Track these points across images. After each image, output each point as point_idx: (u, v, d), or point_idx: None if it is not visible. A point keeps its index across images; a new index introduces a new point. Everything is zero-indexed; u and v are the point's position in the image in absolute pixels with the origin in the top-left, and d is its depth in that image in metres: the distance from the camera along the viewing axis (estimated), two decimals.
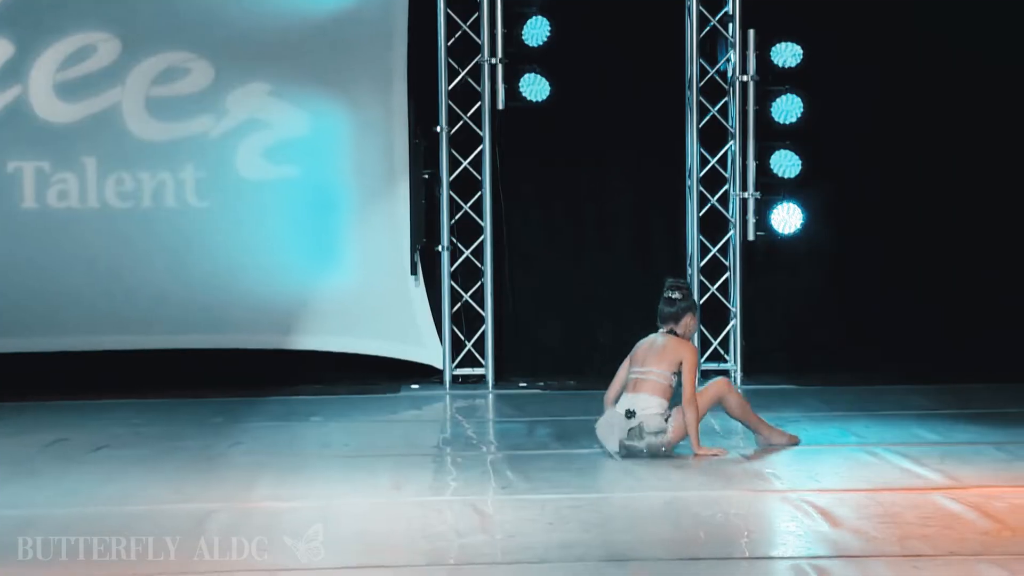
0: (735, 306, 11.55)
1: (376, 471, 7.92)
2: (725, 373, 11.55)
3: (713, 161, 11.61)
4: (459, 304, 11.60)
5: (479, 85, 11.49)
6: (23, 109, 11.29)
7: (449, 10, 11.51)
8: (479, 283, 11.56)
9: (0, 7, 11.24)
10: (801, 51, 11.43)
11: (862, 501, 6.91)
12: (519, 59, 11.47)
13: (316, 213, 11.52)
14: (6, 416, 10.20)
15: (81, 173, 11.40)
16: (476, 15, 11.49)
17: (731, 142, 11.56)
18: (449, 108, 11.52)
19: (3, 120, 11.28)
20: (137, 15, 11.38)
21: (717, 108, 11.60)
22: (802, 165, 11.40)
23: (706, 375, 11.53)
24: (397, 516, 6.84)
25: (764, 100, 11.45)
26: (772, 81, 11.46)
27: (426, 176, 11.45)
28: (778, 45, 11.46)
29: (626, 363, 8.42)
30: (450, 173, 11.54)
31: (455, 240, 11.55)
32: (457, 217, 11.57)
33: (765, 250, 11.61)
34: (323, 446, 8.91)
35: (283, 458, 8.44)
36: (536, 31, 11.49)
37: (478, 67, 11.49)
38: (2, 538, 6.41)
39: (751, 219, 11.41)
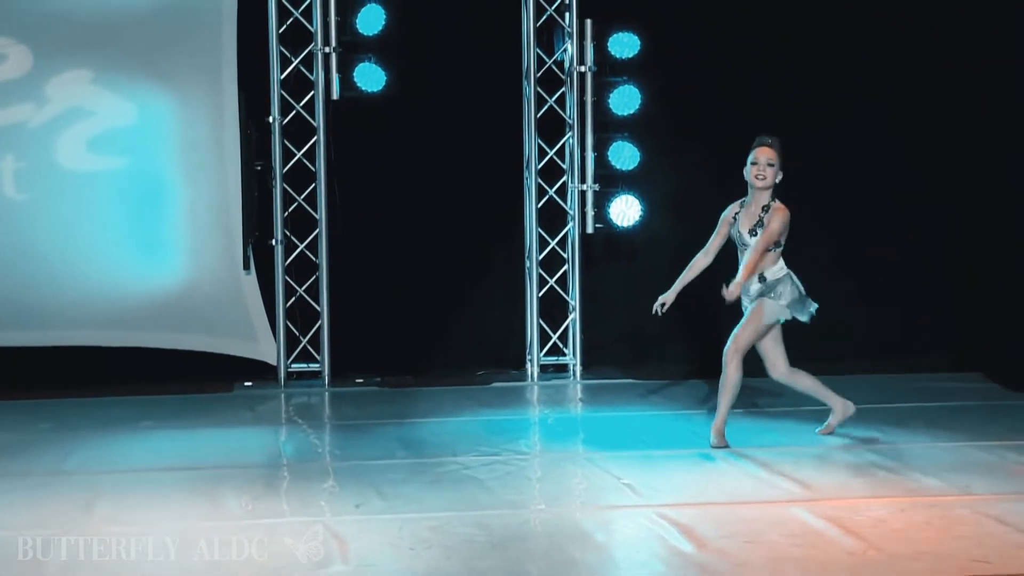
0: (574, 299, 11.40)
1: (220, 488, 7.54)
2: (564, 367, 11.45)
3: (551, 153, 11.43)
4: (294, 299, 11.27)
5: (312, 75, 11.14)
6: None
7: None
8: (314, 277, 11.24)
9: None
10: (639, 41, 11.28)
11: (724, 516, 6.78)
12: (353, 48, 11.15)
13: (144, 206, 11.06)
14: None
15: None
16: (308, 2, 11.13)
17: (569, 134, 11.39)
18: (281, 98, 11.16)
19: None
20: None
21: (555, 99, 11.42)
22: (640, 157, 11.26)
23: (545, 369, 11.44)
24: (249, 541, 6.50)
25: (602, 91, 11.30)
26: (610, 72, 11.30)
27: (258, 168, 11.08)
28: (616, 35, 11.30)
29: None
30: (283, 165, 11.19)
31: (289, 233, 11.20)
32: (291, 210, 11.23)
33: (604, 243, 11.46)
34: (159, 459, 8.48)
35: (118, 475, 8.01)
36: (371, 20, 11.17)
37: (311, 56, 11.14)
38: None
39: (589, 211, 11.26)
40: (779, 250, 8.38)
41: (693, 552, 6.22)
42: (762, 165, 8.35)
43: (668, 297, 8.55)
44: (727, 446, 8.28)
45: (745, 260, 8.31)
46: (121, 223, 11.02)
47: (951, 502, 6.97)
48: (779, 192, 8.52)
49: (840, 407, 8.59)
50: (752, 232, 8.34)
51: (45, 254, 10.94)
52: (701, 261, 8.58)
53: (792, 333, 8.62)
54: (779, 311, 8.35)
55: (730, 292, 8.26)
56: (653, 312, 8.63)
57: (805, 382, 8.57)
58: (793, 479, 7.52)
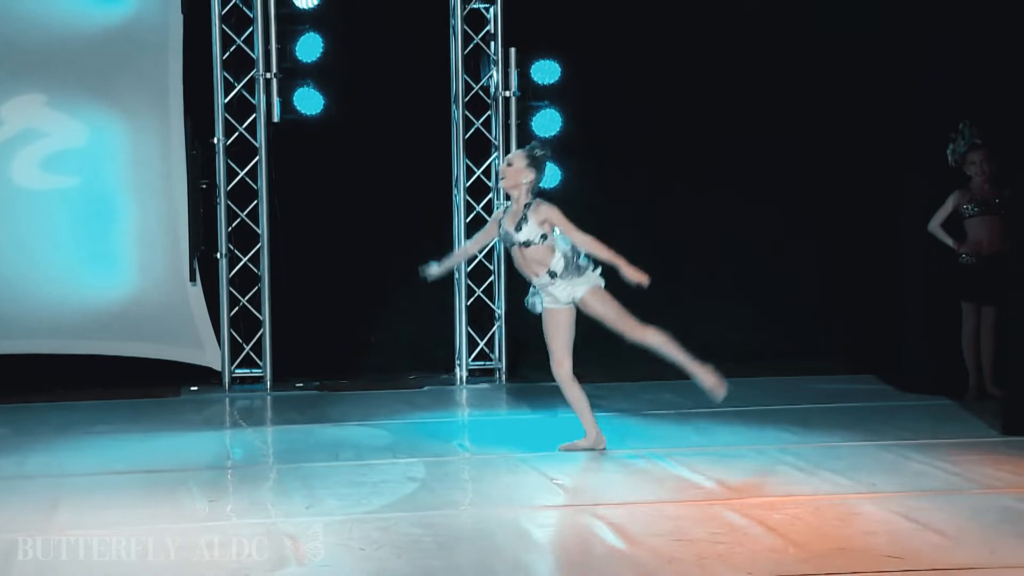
0: (500, 308, 11.32)
1: (176, 490, 7.38)
2: (491, 372, 11.36)
3: (478, 172, 11.36)
4: (237, 308, 11.09)
5: (254, 98, 10.98)
6: None
7: (224, 26, 10.97)
8: (256, 288, 11.07)
9: None
10: (559, 68, 11.24)
11: (652, 515, 6.72)
12: (293, 74, 11.00)
13: (95, 222, 10.85)
14: None
15: None
16: (250, 30, 10.97)
17: (495, 154, 11.31)
18: (225, 120, 10.98)
19: None
20: None
21: (481, 122, 11.34)
22: (561, 176, 11.20)
23: (473, 373, 11.34)
24: (207, 544, 6.35)
25: (525, 114, 11.23)
26: (532, 96, 11.24)
27: (204, 185, 10.90)
28: (538, 63, 11.24)
29: None
30: (227, 183, 11.02)
31: (232, 247, 11.03)
32: (234, 225, 11.05)
33: None
34: (116, 461, 8.28)
35: (78, 478, 7.81)
36: (309, 47, 11.04)
37: (253, 81, 10.97)
38: None
39: None
40: (551, 243, 8.01)
41: (627, 550, 6.16)
42: (504, 165, 8.13)
43: (437, 270, 8.39)
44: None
45: (593, 251, 8.00)
46: (74, 238, 10.81)
47: (860, 500, 6.96)
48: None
49: (593, 438, 8.23)
50: (518, 228, 7.99)
51: (0, 267, 10.69)
52: (471, 247, 8.69)
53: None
54: (589, 291, 8.05)
55: (640, 275, 8.06)
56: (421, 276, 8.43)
57: (576, 394, 8.24)
58: (713, 479, 7.49)
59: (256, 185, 11.02)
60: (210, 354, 11.00)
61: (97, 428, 9.36)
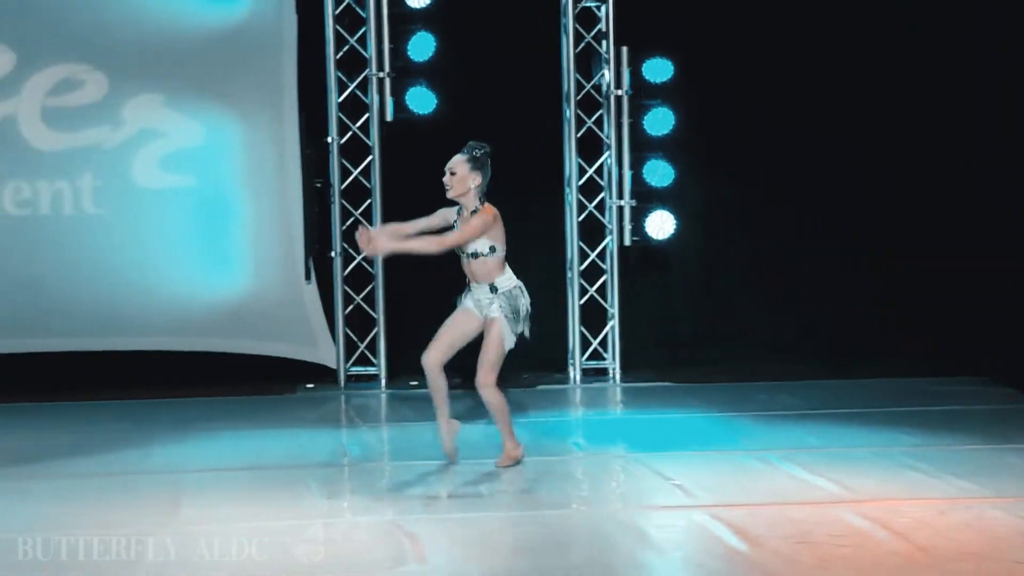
0: (613, 307, 11.24)
1: (294, 487, 7.40)
2: (604, 371, 11.29)
3: (591, 171, 11.28)
4: (351, 307, 11.12)
5: (367, 98, 11.00)
6: None
7: (337, 26, 11.01)
8: (371, 286, 11.09)
9: None
10: (672, 66, 11.13)
11: (773, 517, 6.61)
12: (406, 73, 10.99)
13: (212, 220, 10.94)
14: None
15: None
16: (363, 30, 10.99)
17: (607, 153, 11.22)
18: (339, 120, 11.02)
19: None
20: (31, 28, 10.68)
21: (593, 120, 11.26)
22: (674, 174, 11.11)
23: (586, 373, 11.27)
24: (330, 540, 6.36)
25: (637, 113, 11.13)
26: (645, 95, 11.14)
27: (318, 185, 10.94)
28: (650, 61, 11.14)
29: None
30: (341, 182, 11.04)
31: (347, 246, 11.05)
32: (348, 224, 11.07)
33: (640, 254, 11.30)
34: (234, 458, 8.33)
35: (197, 474, 7.86)
36: (422, 46, 11.02)
37: (366, 80, 11.00)
38: None
39: (627, 225, 11.10)
40: (501, 255, 7.75)
41: (748, 551, 6.06)
42: (447, 175, 7.82)
43: (379, 234, 7.96)
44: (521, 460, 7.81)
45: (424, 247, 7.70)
46: (190, 237, 10.90)
47: (988, 504, 6.79)
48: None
49: (511, 450, 7.84)
50: None
51: (119, 265, 10.82)
52: (421, 224, 7.92)
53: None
54: (511, 334, 7.76)
55: (372, 238, 7.66)
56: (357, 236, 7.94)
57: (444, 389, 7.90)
58: (833, 480, 7.34)
59: (369, 184, 11.04)
60: (324, 352, 11.04)
61: (215, 425, 9.42)
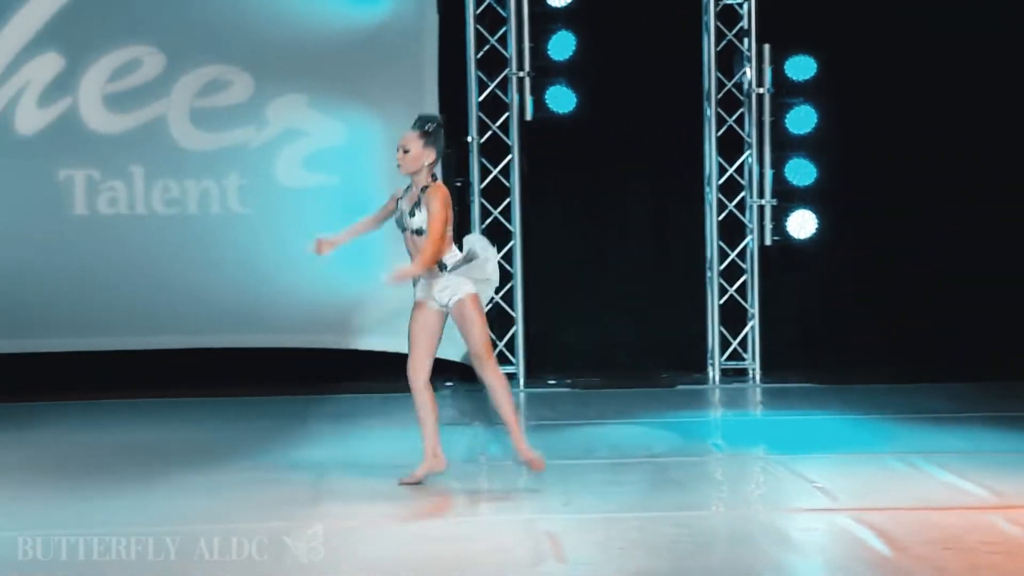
0: (753, 307, 11.10)
1: (435, 484, 7.40)
2: (744, 372, 11.15)
3: (731, 170, 11.16)
4: (490, 306, 11.11)
5: (507, 97, 11.00)
6: (73, 120, 10.75)
7: (478, 26, 11.02)
8: (509, 285, 11.08)
9: (50, 22, 10.70)
10: (815, 64, 10.96)
11: (919, 521, 6.45)
12: (545, 72, 10.97)
13: (353, 219, 10.95)
14: (73, 414, 9.85)
15: (129, 181, 10.86)
16: (504, 29, 10.99)
17: (748, 151, 11.09)
18: (479, 119, 11.04)
19: (55, 130, 10.73)
20: (180, 30, 10.85)
21: (734, 119, 11.14)
22: (816, 173, 10.93)
23: (725, 373, 11.15)
24: (467, 537, 6.35)
25: (779, 111, 10.99)
26: (787, 93, 10.98)
27: (458, 184, 10.96)
28: (792, 59, 10.98)
29: None
30: (481, 181, 11.06)
31: None
32: (488, 223, 11.08)
33: (781, 254, 11.14)
34: (379, 454, 8.37)
35: (338, 469, 7.91)
36: (562, 45, 11.00)
37: (506, 80, 11.00)
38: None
39: (768, 225, 10.96)
40: (448, 234, 7.28)
41: (893, 556, 5.92)
42: (399, 152, 7.36)
43: (330, 240, 7.76)
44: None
45: (421, 249, 7.23)
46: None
47: None
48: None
49: (430, 462, 7.38)
50: (411, 212, 7.29)
51: (266, 262, 10.94)
52: (367, 222, 7.71)
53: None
54: (482, 294, 7.33)
55: (396, 276, 7.30)
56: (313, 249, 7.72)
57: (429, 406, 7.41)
58: (981, 485, 7.15)
59: (508, 183, 11.04)
60: (463, 350, 11.02)
61: (360, 421, 9.50)
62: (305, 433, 9.05)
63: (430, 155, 7.26)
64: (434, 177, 7.26)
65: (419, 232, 7.23)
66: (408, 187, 7.36)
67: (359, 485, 7.45)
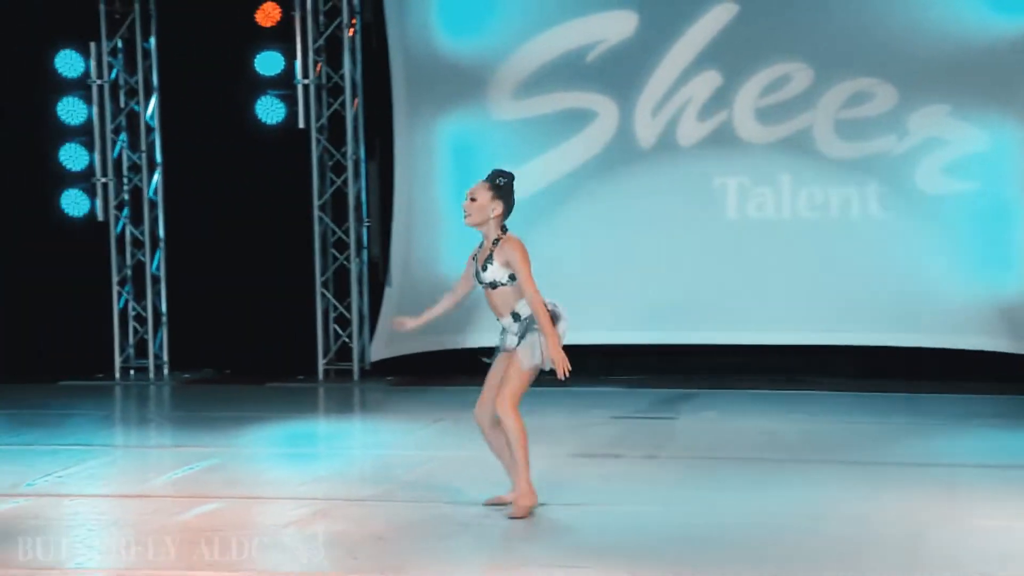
0: None
1: None
2: None
3: None
4: None
5: None
6: (728, 132, 11.68)
7: None
8: None
9: (710, 44, 11.64)
10: None
11: None
12: None
13: (994, 224, 11.20)
14: (718, 402, 10.74)
15: (777, 188, 11.64)
16: None
17: None
18: None
19: (711, 141, 11.69)
20: (827, 46, 11.45)
21: None
22: None
23: None
24: None
25: None
26: None
27: None
28: None
29: None
30: None
31: None
32: None
33: None
34: (1015, 454, 8.60)
35: (974, 469, 8.25)
36: None
37: None
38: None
39: None
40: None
41: None
42: (467, 200, 7.08)
43: (413, 323, 7.40)
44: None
45: (534, 310, 6.93)
46: (972, 240, 11.23)
47: None
48: None
49: (527, 496, 7.07)
50: (484, 267, 7.05)
51: (904, 266, 11.33)
52: (450, 297, 7.38)
53: None
54: (535, 360, 6.98)
55: (560, 362, 6.90)
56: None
57: (502, 442, 7.12)
58: None
59: None
60: None
61: (991, 421, 9.75)
62: (941, 429, 9.37)
63: (497, 207, 7.12)
64: (504, 229, 7.15)
65: (492, 286, 7.12)
66: (480, 243, 7.25)
67: (990, 483, 7.74)
